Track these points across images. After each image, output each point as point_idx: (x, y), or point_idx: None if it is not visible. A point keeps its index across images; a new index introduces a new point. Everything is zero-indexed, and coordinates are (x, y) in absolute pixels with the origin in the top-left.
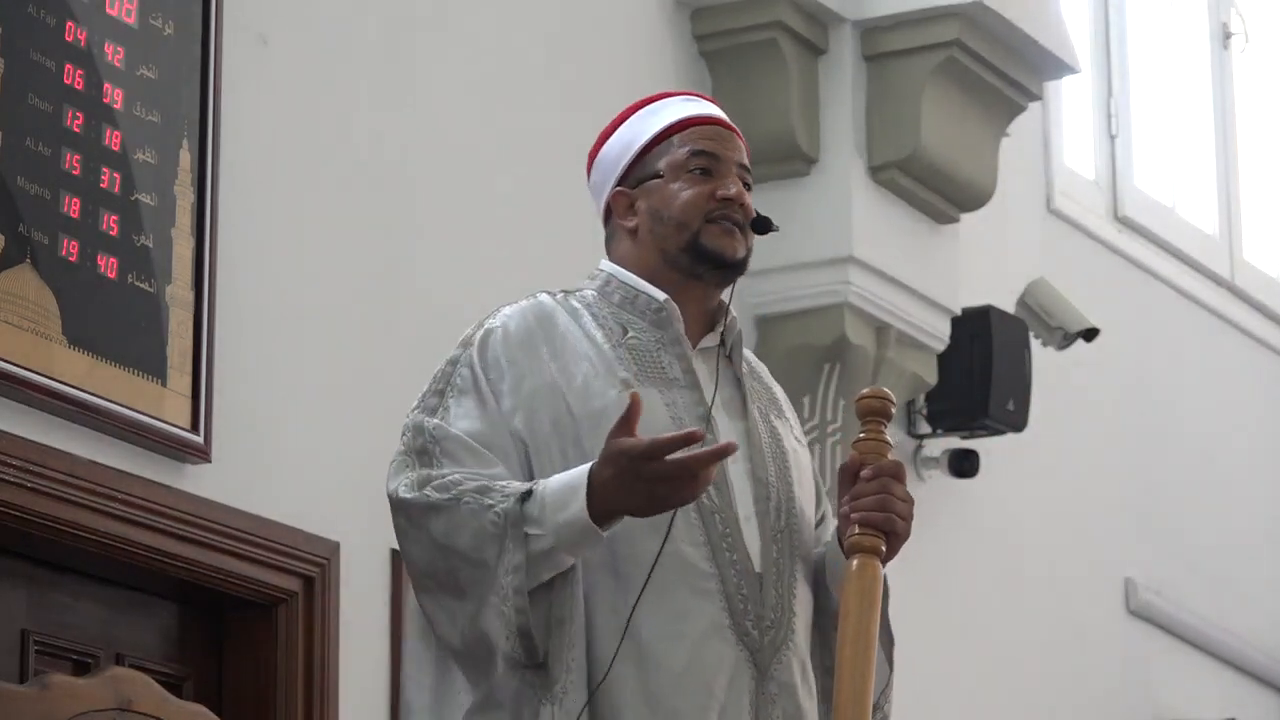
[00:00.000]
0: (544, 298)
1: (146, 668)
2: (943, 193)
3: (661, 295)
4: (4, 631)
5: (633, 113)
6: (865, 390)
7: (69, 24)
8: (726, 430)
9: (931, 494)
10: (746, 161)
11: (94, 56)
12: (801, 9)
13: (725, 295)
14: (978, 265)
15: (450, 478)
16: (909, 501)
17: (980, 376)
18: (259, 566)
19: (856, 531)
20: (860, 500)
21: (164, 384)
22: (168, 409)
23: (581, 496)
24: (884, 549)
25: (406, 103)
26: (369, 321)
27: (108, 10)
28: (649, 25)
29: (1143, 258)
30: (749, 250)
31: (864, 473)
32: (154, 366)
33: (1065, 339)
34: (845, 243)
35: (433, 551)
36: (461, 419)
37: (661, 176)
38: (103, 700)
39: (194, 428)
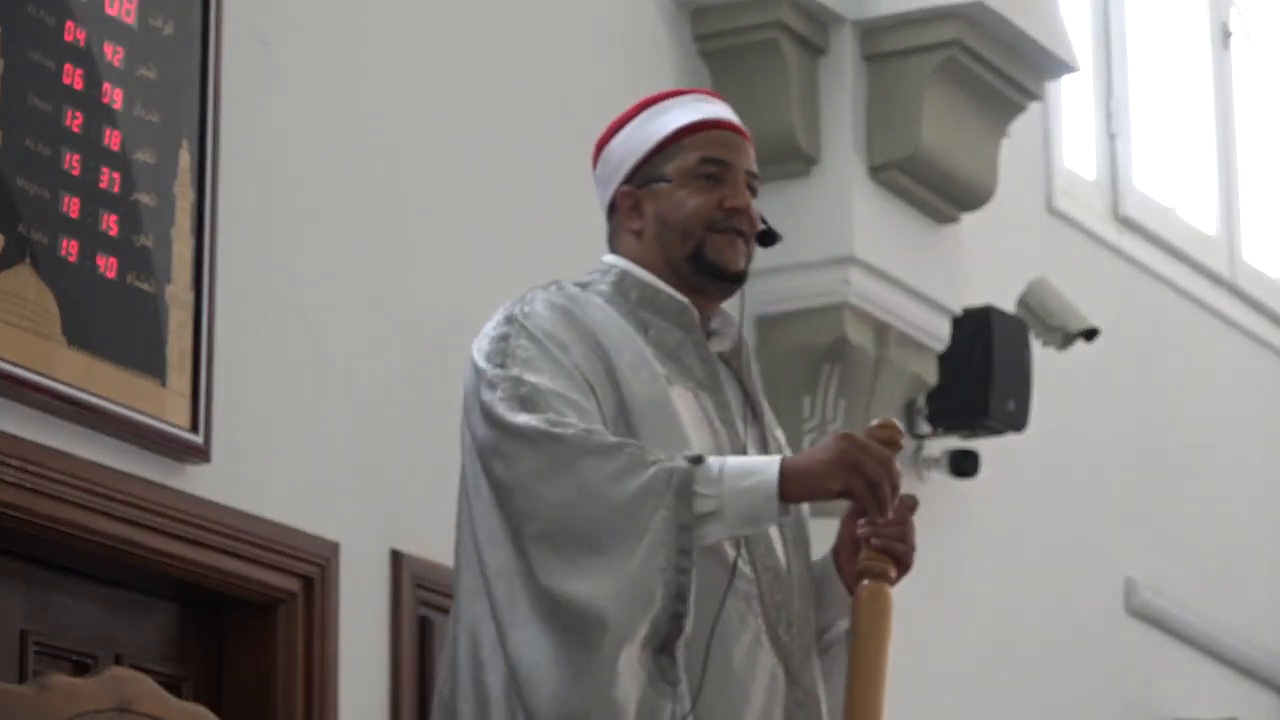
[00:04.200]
0: (569, 287)
1: (146, 668)
2: (943, 193)
3: (684, 297)
4: (3, 632)
5: (644, 109)
6: (874, 422)
7: (69, 24)
8: (744, 436)
9: (931, 494)
10: (755, 168)
11: (94, 56)
12: (801, 9)
13: (734, 307)
14: (978, 265)
15: (595, 427)
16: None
17: (980, 376)
18: (259, 566)
19: (871, 556)
20: (884, 529)
21: (163, 384)
22: (167, 409)
23: (773, 469)
24: (894, 575)
25: (406, 103)
26: (369, 321)
27: (107, 10)
28: (649, 25)
29: (1143, 258)
30: (749, 259)
31: None
32: (153, 366)
33: (1065, 339)
34: (845, 243)
35: (576, 495)
36: (545, 381)
37: (670, 181)
38: (102, 701)
39: (193, 428)
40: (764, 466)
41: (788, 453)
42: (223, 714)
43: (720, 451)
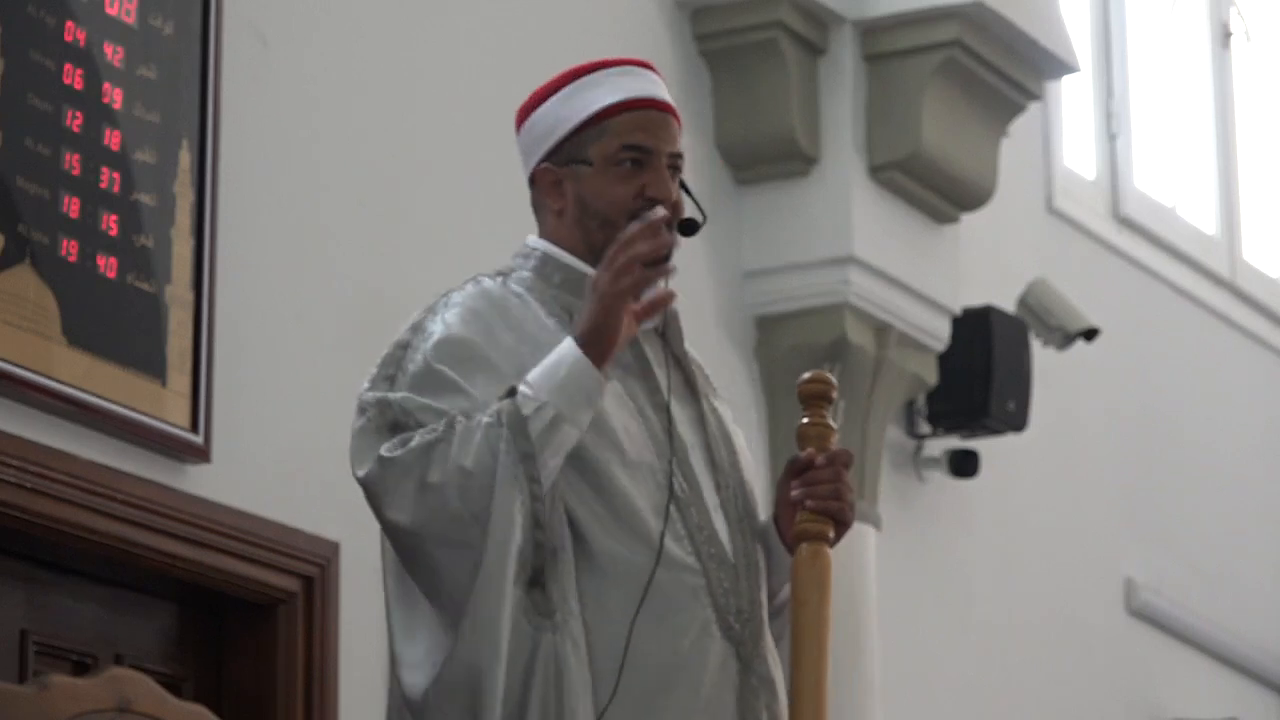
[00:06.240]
0: (487, 283)
1: (146, 668)
2: (943, 193)
3: None
4: (3, 632)
5: (569, 81)
6: (806, 375)
7: (69, 24)
8: (681, 418)
9: (931, 494)
10: (678, 148)
11: (94, 56)
12: (801, 9)
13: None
14: (978, 265)
15: (432, 425)
16: (853, 490)
17: (980, 376)
18: (259, 566)
19: (807, 518)
20: (815, 487)
21: (163, 384)
22: (167, 409)
23: (569, 345)
24: (832, 535)
25: (405, 103)
26: (369, 321)
27: (107, 10)
28: (649, 25)
29: (1143, 258)
30: (674, 246)
31: (818, 459)
32: (153, 366)
33: (1065, 339)
34: (845, 243)
35: (429, 495)
36: (423, 397)
37: (591, 164)
38: (102, 701)
39: (193, 428)
40: (561, 351)
41: (736, 431)
42: (223, 714)
43: (653, 437)
